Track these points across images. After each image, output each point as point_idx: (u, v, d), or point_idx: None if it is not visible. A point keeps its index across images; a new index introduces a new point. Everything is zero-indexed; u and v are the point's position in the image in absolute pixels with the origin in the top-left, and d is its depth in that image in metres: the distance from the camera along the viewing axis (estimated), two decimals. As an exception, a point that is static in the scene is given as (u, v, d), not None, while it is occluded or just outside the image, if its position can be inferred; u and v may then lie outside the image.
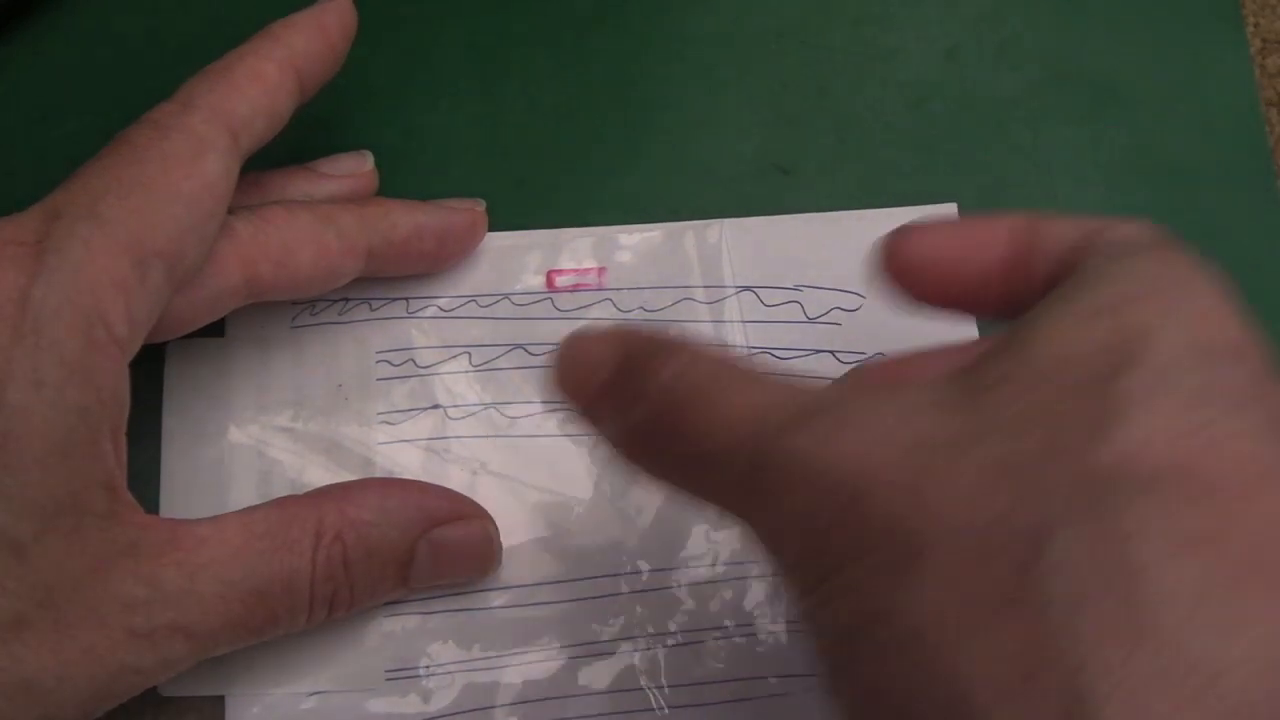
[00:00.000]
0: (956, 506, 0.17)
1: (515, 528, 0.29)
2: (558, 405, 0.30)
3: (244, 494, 0.29)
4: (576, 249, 0.32)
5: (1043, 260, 0.22)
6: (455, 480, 0.30)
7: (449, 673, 0.28)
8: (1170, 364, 0.18)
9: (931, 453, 0.18)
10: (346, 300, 0.31)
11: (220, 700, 0.28)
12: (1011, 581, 0.16)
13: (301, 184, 0.30)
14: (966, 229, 0.24)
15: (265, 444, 0.30)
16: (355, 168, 0.31)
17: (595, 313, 0.31)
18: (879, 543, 0.18)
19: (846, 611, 0.18)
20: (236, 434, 0.30)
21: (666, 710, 0.28)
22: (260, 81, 0.27)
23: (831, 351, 0.31)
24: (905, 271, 0.24)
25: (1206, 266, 0.20)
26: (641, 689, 0.28)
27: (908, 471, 0.18)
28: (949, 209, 0.32)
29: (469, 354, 0.31)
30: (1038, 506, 0.17)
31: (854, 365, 0.31)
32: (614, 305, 0.31)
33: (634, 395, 0.22)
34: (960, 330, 0.30)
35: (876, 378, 0.27)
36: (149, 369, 0.30)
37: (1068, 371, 0.18)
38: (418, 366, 0.31)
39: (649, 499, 0.30)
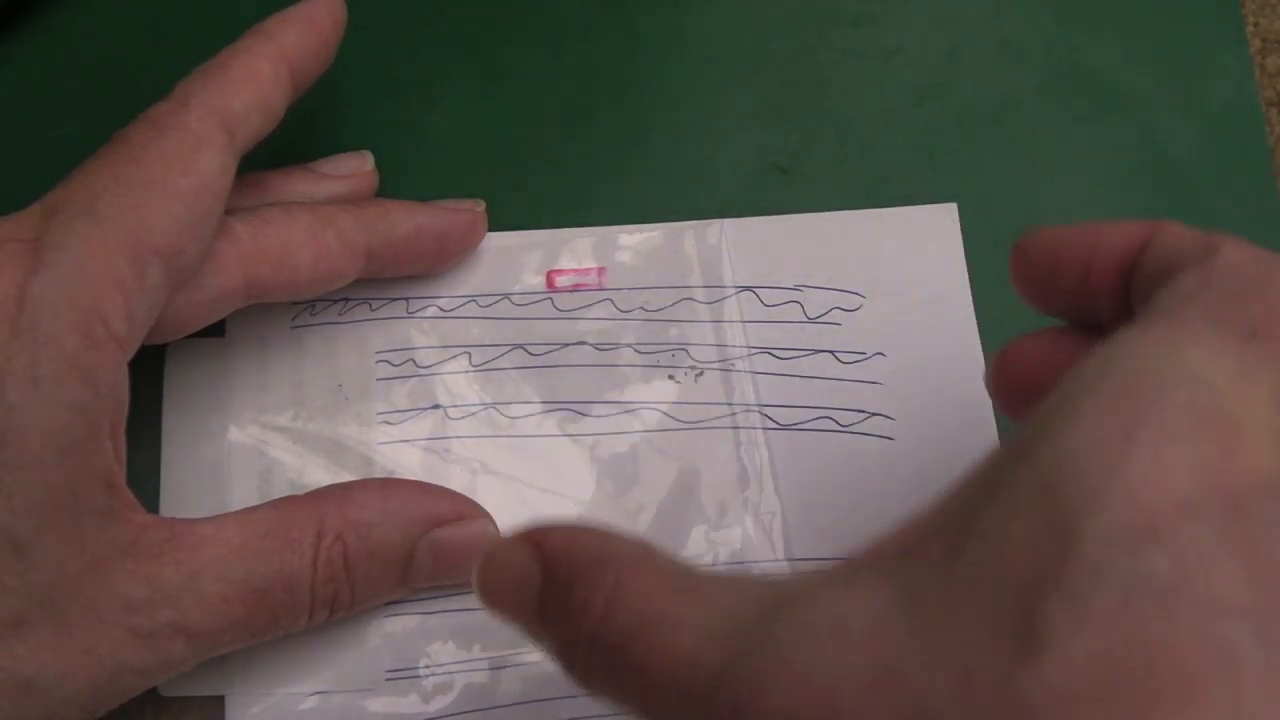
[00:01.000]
0: None
1: (516, 528, 0.29)
2: (558, 406, 0.30)
3: (244, 494, 0.29)
4: (576, 249, 0.32)
5: (1144, 284, 0.21)
6: (455, 480, 0.30)
7: (449, 673, 0.28)
8: (1095, 564, 0.15)
9: (853, 703, 0.16)
10: (346, 300, 0.31)
11: (220, 700, 0.28)
12: None
13: (302, 184, 0.30)
14: (1067, 236, 0.23)
15: (265, 444, 0.30)
16: (355, 168, 0.31)
17: (595, 313, 0.31)
18: None
19: None
20: (236, 434, 0.30)
21: (667, 710, 0.28)
22: (255, 78, 0.27)
23: (831, 351, 0.31)
24: (1019, 286, 0.24)
25: (1208, 340, 0.18)
26: (642, 689, 0.28)
27: None
28: (949, 209, 0.32)
29: (469, 354, 0.31)
30: None
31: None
32: (614, 305, 0.31)
33: (571, 610, 0.20)
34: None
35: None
36: (149, 369, 0.30)
37: (993, 584, 0.16)
38: (418, 366, 0.31)
39: (649, 498, 0.30)
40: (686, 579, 0.20)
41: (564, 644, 0.21)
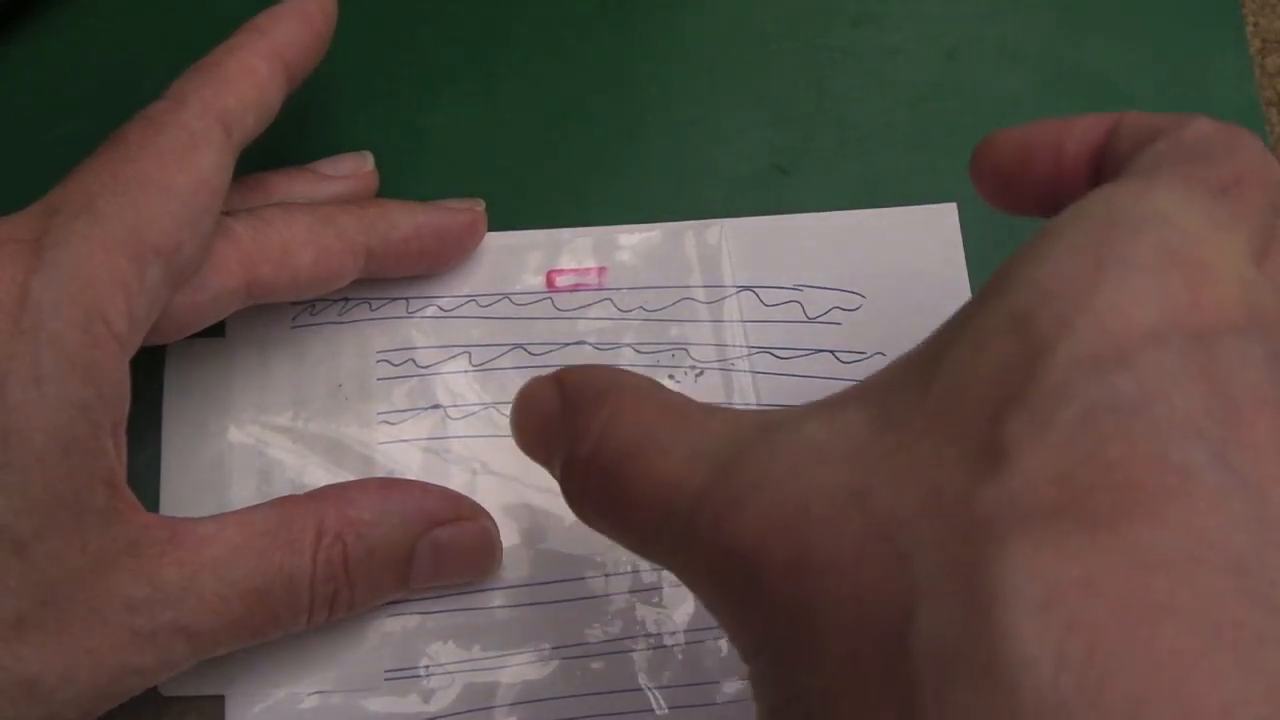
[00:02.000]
0: (842, 580, 0.17)
1: (516, 528, 0.29)
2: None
3: (244, 494, 0.29)
4: (576, 249, 0.32)
5: (1112, 167, 0.21)
6: (456, 480, 0.30)
7: (449, 673, 0.28)
8: (1062, 384, 0.16)
9: (823, 518, 0.17)
10: (346, 300, 0.31)
11: (220, 700, 0.28)
12: (883, 663, 0.16)
13: (302, 185, 0.30)
14: (1035, 130, 0.23)
15: (265, 444, 0.30)
16: (355, 168, 0.31)
17: (595, 312, 0.31)
18: (784, 624, 0.17)
19: (771, 692, 0.18)
20: (236, 434, 0.30)
21: (666, 710, 0.28)
22: (250, 75, 0.27)
23: (831, 351, 0.31)
24: (983, 182, 0.24)
25: (1180, 199, 0.18)
26: (641, 689, 0.28)
27: (800, 545, 0.17)
28: (949, 209, 0.32)
29: (469, 354, 0.31)
30: (908, 573, 0.16)
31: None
32: (614, 305, 0.31)
33: (573, 434, 0.21)
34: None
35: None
36: (149, 369, 0.30)
37: (962, 405, 0.17)
38: (418, 366, 0.31)
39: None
40: (682, 408, 0.21)
41: (565, 466, 0.22)
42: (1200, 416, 0.16)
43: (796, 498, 0.18)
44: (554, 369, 0.30)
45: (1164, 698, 0.14)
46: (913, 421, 0.17)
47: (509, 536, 0.29)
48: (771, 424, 0.19)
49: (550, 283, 0.32)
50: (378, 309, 0.31)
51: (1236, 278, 0.17)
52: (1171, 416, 0.16)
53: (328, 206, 0.29)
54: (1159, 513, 0.15)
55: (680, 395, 0.22)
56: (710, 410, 0.21)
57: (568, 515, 0.29)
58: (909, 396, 0.18)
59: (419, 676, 0.28)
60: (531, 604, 0.29)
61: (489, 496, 0.29)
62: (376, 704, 0.28)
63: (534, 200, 0.32)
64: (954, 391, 0.17)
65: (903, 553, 0.16)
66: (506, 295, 0.31)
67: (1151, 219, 0.17)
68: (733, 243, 0.32)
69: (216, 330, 0.30)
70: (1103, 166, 0.22)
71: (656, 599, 0.29)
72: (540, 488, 0.30)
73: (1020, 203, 0.24)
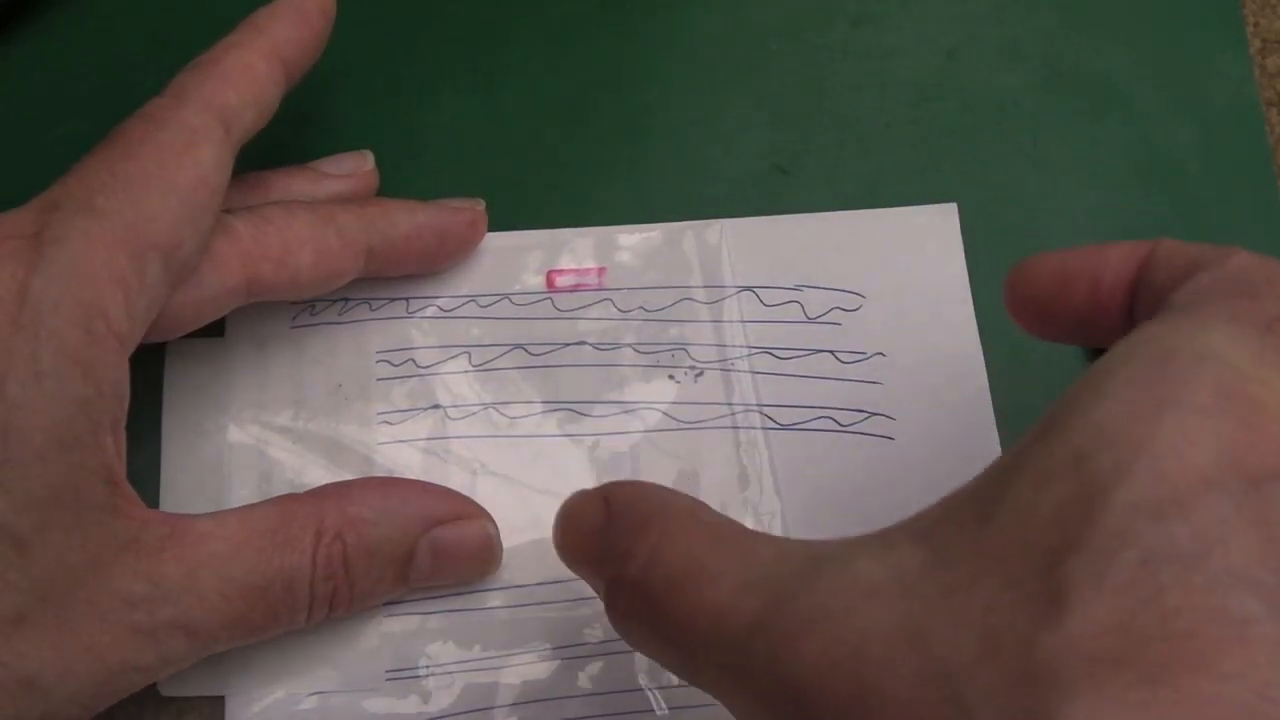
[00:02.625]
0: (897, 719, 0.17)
1: (516, 528, 0.29)
2: (558, 406, 0.30)
3: (244, 494, 0.29)
4: (576, 249, 0.32)
5: (1149, 297, 0.21)
6: (455, 480, 0.30)
7: (449, 673, 0.28)
8: (1121, 530, 0.16)
9: (880, 659, 0.17)
10: (346, 300, 0.31)
11: (220, 700, 0.28)
12: None
13: (302, 184, 0.30)
14: (1071, 258, 0.23)
15: (265, 443, 0.30)
16: (355, 167, 0.31)
17: (595, 313, 0.31)
18: None
19: None
20: (236, 433, 0.30)
21: (667, 711, 0.28)
22: (249, 72, 0.27)
23: (831, 351, 0.31)
24: (1019, 310, 0.24)
25: (1229, 346, 0.18)
26: (642, 689, 0.28)
27: (856, 684, 0.17)
28: (949, 209, 0.32)
29: (469, 354, 0.31)
30: (967, 718, 0.16)
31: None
32: (614, 305, 0.31)
33: (620, 555, 0.22)
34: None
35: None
36: (149, 369, 0.30)
37: (1021, 548, 0.17)
38: (418, 366, 0.31)
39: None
40: (730, 535, 0.21)
41: (611, 588, 0.22)
42: (1257, 565, 0.16)
43: (854, 636, 0.18)
44: (554, 369, 0.31)
45: None
46: (970, 561, 0.17)
47: (509, 536, 0.29)
48: (823, 556, 0.19)
49: (550, 283, 0.32)
50: (378, 309, 0.31)
51: None
52: (1229, 566, 0.16)
53: (328, 205, 0.29)
54: (1218, 666, 0.15)
55: (727, 519, 0.22)
56: (757, 537, 0.21)
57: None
58: (965, 535, 0.18)
59: (419, 676, 0.28)
60: (531, 604, 0.29)
61: (489, 496, 0.29)
62: (376, 704, 0.28)
63: (534, 200, 0.32)
64: (1012, 533, 0.17)
65: (962, 699, 0.16)
66: (506, 295, 0.31)
67: (1204, 357, 0.18)
68: (733, 243, 0.32)
69: (216, 329, 0.30)
70: (1140, 296, 0.22)
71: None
72: (540, 488, 0.30)
73: (1056, 330, 0.24)
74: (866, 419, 0.30)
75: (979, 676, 0.16)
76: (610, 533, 0.22)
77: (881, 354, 0.31)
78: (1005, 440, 0.30)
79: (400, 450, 0.30)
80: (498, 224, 0.32)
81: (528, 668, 0.29)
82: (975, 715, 0.16)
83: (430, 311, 0.31)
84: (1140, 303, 0.22)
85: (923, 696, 0.17)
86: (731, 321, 0.31)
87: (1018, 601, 0.16)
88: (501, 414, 0.30)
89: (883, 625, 0.18)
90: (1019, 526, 0.17)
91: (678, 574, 0.21)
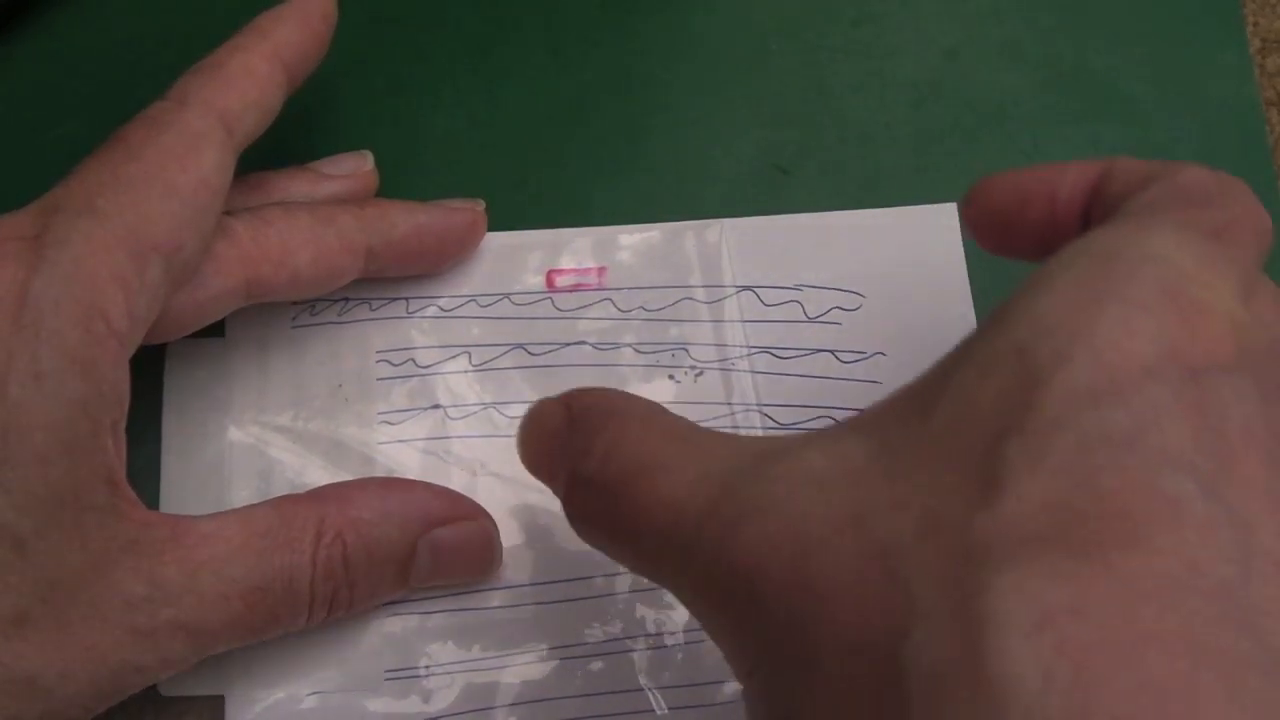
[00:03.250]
0: (839, 601, 0.17)
1: (516, 528, 0.29)
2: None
3: (244, 494, 0.29)
4: (576, 249, 0.32)
5: (1103, 211, 0.22)
6: (455, 480, 0.30)
7: (449, 673, 0.28)
8: (1059, 414, 0.16)
9: (821, 540, 0.18)
10: (346, 300, 0.31)
11: (220, 700, 0.28)
12: (877, 683, 0.16)
13: (302, 184, 0.30)
14: (1029, 176, 0.24)
15: (265, 444, 0.30)
16: (355, 168, 0.31)
17: (595, 313, 0.31)
18: (780, 644, 0.18)
19: (765, 711, 0.18)
20: (236, 434, 0.30)
21: (667, 711, 0.28)
22: (251, 75, 0.27)
23: (832, 351, 0.31)
24: (978, 226, 0.25)
25: (1174, 242, 0.18)
26: (642, 689, 0.28)
27: (799, 566, 0.18)
28: (949, 209, 0.32)
29: (469, 354, 0.31)
30: (904, 595, 0.16)
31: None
32: (614, 305, 0.31)
33: (577, 452, 0.22)
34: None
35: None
36: (149, 369, 0.30)
37: (961, 435, 0.17)
38: (418, 366, 0.31)
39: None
40: (685, 432, 0.22)
41: (569, 485, 0.22)
42: (1191, 450, 0.16)
43: (797, 521, 0.18)
44: (554, 369, 0.31)
45: None
46: (912, 450, 0.18)
47: (509, 536, 0.29)
48: (774, 450, 0.20)
49: (550, 283, 0.32)
50: (378, 309, 0.31)
51: (1228, 317, 0.18)
52: (1164, 449, 0.16)
53: (328, 206, 0.29)
54: (1149, 541, 0.15)
55: (685, 420, 0.22)
56: (713, 435, 0.22)
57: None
58: (908, 426, 0.18)
59: (419, 676, 0.28)
60: (531, 604, 0.29)
61: (489, 497, 0.29)
62: (376, 704, 0.28)
63: (534, 200, 0.32)
64: (953, 421, 0.18)
65: (899, 576, 0.16)
66: (507, 295, 0.31)
67: (1148, 258, 0.18)
68: (733, 243, 0.32)
69: (216, 330, 0.30)
70: (1094, 210, 0.22)
71: (657, 599, 0.29)
72: (540, 488, 0.30)
73: (1013, 246, 0.25)
74: (866, 419, 0.30)
75: (916, 555, 0.16)
76: (570, 434, 0.23)
77: (882, 354, 0.31)
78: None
79: (400, 450, 0.30)
80: (498, 224, 0.32)
81: (528, 668, 0.29)
82: (912, 591, 0.16)
83: (430, 311, 0.31)
84: (1096, 217, 0.22)
85: (861, 575, 0.17)
86: (731, 321, 0.31)
87: (956, 484, 0.17)
88: (502, 414, 0.30)
89: (825, 510, 0.18)
90: (960, 414, 0.18)
91: (632, 468, 0.21)
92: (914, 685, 0.16)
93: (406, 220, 0.30)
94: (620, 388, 0.31)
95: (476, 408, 0.30)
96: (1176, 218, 0.20)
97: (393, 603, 0.29)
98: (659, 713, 0.28)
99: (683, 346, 0.31)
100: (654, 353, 0.31)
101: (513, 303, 0.31)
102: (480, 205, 0.31)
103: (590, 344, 0.31)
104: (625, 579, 0.29)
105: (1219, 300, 0.18)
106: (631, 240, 0.32)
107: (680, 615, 0.29)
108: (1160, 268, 0.18)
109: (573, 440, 0.22)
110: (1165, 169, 0.21)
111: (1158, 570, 0.15)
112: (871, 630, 0.16)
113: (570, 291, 0.31)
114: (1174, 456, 0.16)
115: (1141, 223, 0.20)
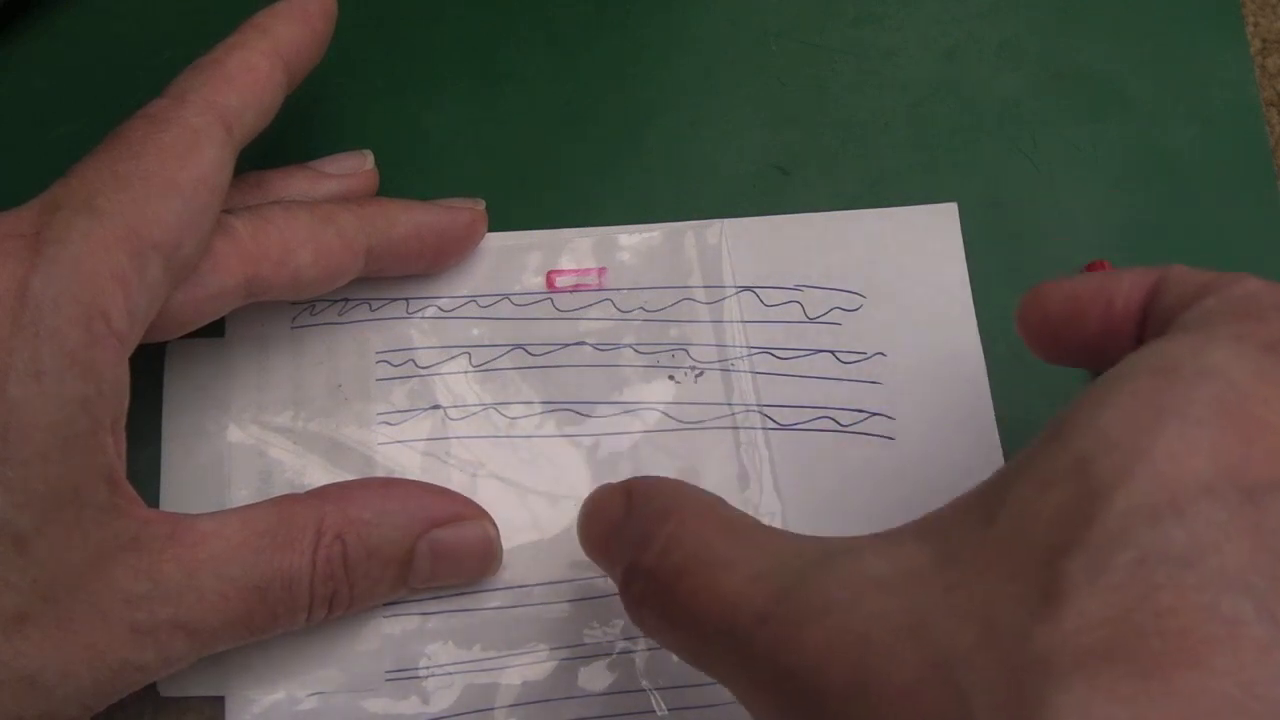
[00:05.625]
0: (897, 707, 0.17)
1: (515, 528, 0.29)
2: (558, 406, 0.31)
3: (244, 494, 0.29)
4: (576, 249, 0.32)
5: (1158, 322, 0.22)
6: (455, 481, 0.30)
7: (449, 673, 0.28)
8: (1120, 531, 0.17)
9: (882, 645, 0.18)
10: (346, 300, 0.31)
11: (220, 700, 0.28)
12: None
13: (302, 183, 0.30)
14: (1083, 285, 0.24)
15: (265, 444, 0.30)
16: (355, 167, 0.31)
17: (595, 313, 0.31)
18: None
19: None
20: (236, 434, 0.30)
21: (667, 712, 0.28)
22: (251, 73, 0.27)
23: (831, 351, 0.31)
24: (1032, 335, 0.25)
25: (1228, 365, 0.18)
26: (643, 690, 0.28)
27: (859, 670, 0.18)
28: (949, 209, 0.32)
29: (469, 354, 0.31)
30: (964, 707, 0.16)
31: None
32: (614, 305, 0.31)
33: (637, 542, 0.22)
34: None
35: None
36: (149, 369, 0.30)
37: (1022, 546, 0.18)
38: (418, 367, 0.31)
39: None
40: (745, 527, 0.22)
41: (627, 574, 0.23)
42: (1249, 569, 0.16)
43: (858, 625, 0.18)
44: (554, 369, 0.31)
45: None
46: (972, 559, 0.18)
47: (509, 537, 0.29)
48: (834, 550, 0.20)
49: (550, 283, 0.32)
50: (378, 309, 0.31)
51: None
52: (1222, 569, 0.16)
53: (327, 205, 0.29)
54: (1207, 661, 0.16)
55: (743, 514, 0.23)
56: (771, 532, 0.22)
57: (568, 515, 0.29)
58: (969, 533, 0.19)
59: (419, 677, 0.28)
60: (531, 605, 0.29)
61: (489, 497, 0.29)
62: (376, 705, 0.28)
63: (534, 200, 0.32)
64: (1014, 531, 0.18)
65: (959, 686, 0.17)
66: (507, 295, 0.31)
67: (1206, 373, 0.18)
68: (733, 243, 0.32)
69: (216, 330, 0.30)
70: (1150, 320, 0.23)
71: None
72: (540, 489, 0.30)
73: (1068, 354, 0.25)
74: (866, 419, 0.30)
75: (976, 665, 0.17)
76: (630, 522, 0.23)
77: (882, 354, 0.31)
78: (1005, 440, 0.30)
79: (400, 451, 0.30)
80: (498, 224, 0.32)
81: (528, 668, 0.29)
82: (971, 701, 0.16)
83: (430, 312, 0.31)
84: (1150, 327, 0.23)
85: (922, 683, 0.17)
86: (731, 321, 0.31)
87: (1016, 596, 0.17)
88: (501, 414, 0.30)
89: (886, 616, 0.18)
90: (1021, 526, 0.18)
91: (692, 562, 0.21)
92: None
93: (407, 219, 0.30)
94: (620, 388, 0.31)
95: (476, 408, 0.30)
96: (1234, 331, 0.20)
97: (393, 603, 0.29)
98: (659, 713, 0.28)
99: (683, 347, 0.31)
100: (654, 353, 0.31)
101: (513, 303, 0.31)
102: (480, 205, 0.31)
103: (590, 344, 0.31)
104: (625, 579, 0.29)
105: (1274, 415, 0.18)
106: (631, 241, 0.32)
107: (680, 615, 0.29)
108: (1218, 383, 0.18)
109: (632, 529, 0.23)
110: (1220, 280, 0.22)
111: (1214, 691, 0.15)
112: None
113: (570, 292, 0.31)
114: (1232, 577, 0.16)
115: (1199, 336, 0.20)
